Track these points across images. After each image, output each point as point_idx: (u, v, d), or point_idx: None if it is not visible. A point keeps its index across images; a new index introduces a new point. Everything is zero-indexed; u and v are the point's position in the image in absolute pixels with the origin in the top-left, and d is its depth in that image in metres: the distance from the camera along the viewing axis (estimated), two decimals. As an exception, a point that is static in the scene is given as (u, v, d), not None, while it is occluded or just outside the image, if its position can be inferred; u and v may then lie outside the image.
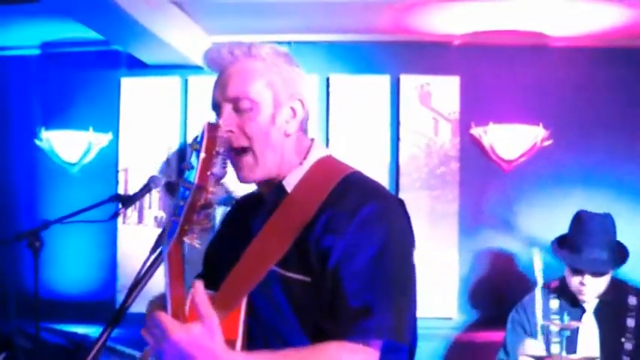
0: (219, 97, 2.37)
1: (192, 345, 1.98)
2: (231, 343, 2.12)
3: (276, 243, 2.30)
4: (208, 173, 2.01)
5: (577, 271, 4.49)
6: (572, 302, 4.61)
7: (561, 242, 4.70)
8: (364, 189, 2.38)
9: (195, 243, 2.07)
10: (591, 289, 4.50)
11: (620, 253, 4.59)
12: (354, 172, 2.44)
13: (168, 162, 5.96)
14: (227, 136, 2.26)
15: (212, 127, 2.06)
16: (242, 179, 2.38)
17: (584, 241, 4.51)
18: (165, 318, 2.00)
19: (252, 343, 2.24)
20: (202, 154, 2.00)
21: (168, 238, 2.09)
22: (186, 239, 2.06)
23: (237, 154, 2.33)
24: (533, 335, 4.59)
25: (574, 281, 4.52)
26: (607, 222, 4.58)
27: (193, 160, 2.03)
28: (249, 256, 2.31)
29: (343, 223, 2.26)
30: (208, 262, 2.69)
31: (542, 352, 4.34)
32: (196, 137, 2.05)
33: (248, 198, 2.67)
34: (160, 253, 2.11)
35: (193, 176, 2.00)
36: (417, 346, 2.42)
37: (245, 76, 2.36)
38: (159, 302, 2.20)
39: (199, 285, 2.04)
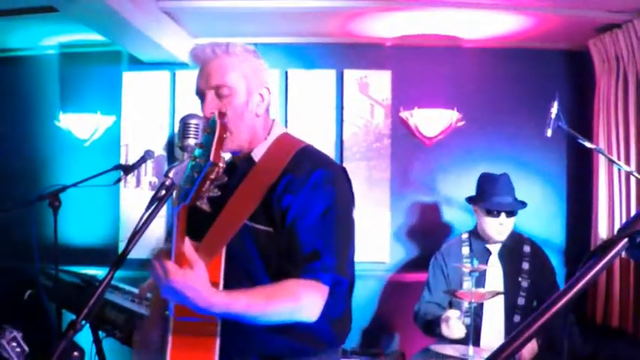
0: (204, 86, 2.41)
1: (185, 285, 2.02)
2: (215, 285, 2.16)
3: (247, 201, 2.34)
4: (220, 153, 1.98)
5: (494, 214, 4.53)
6: (480, 248, 4.68)
7: (473, 198, 4.75)
8: (315, 159, 2.45)
9: (205, 207, 2.06)
10: (507, 228, 4.56)
11: (521, 202, 4.65)
12: (307, 146, 2.51)
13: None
14: (210, 116, 2.31)
15: (222, 115, 2.06)
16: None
17: (494, 191, 4.58)
18: (168, 263, 2.04)
19: (227, 283, 2.26)
20: (217, 137, 1.97)
21: (179, 201, 2.08)
22: (198, 203, 2.04)
23: None
24: (450, 277, 4.68)
25: (492, 225, 4.56)
26: (508, 178, 4.65)
27: (206, 140, 2.01)
28: (227, 212, 2.33)
29: (299, 185, 2.32)
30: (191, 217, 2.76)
31: (459, 319, 4.28)
32: (210, 122, 2.02)
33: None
34: (153, 212, 2.10)
35: (207, 154, 1.96)
36: (355, 283, 2.53)
37: (224, 69, 2.40)
38: (164, 250, 2.19)
39: (188, 240, 2.10)
